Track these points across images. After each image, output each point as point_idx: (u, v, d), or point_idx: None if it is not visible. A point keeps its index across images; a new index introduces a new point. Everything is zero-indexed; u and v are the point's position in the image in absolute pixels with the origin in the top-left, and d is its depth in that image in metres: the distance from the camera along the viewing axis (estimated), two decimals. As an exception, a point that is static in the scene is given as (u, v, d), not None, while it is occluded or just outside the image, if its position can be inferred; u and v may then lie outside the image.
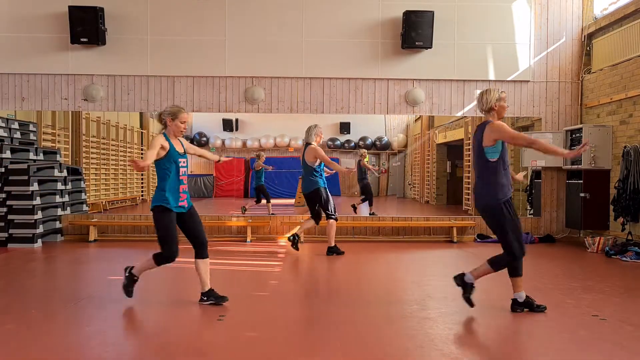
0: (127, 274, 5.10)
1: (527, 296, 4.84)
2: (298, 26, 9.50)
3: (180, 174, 4.88)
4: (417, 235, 9.66)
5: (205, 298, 5.00)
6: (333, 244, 7.86)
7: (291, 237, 8.00)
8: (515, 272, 4.86)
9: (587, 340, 4.04)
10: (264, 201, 12.40)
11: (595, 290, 5.70)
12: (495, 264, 4.85)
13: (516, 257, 4.80)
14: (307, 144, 7.90)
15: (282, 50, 9.49)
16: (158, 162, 4.84)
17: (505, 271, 6.79)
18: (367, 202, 13.08)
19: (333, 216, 7.82)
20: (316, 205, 7.84)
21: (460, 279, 4.87)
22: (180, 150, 4.96)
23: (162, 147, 4.81)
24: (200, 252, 5.03)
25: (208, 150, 22.74)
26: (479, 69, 9.58)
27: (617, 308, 4.95)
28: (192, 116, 23.26)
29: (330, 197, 7.87)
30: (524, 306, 4.81)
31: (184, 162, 4.92)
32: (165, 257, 4.94)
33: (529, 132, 9.98)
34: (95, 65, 9.37)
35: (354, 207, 12.83)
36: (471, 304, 4.78)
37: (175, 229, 4.93)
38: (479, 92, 9.56)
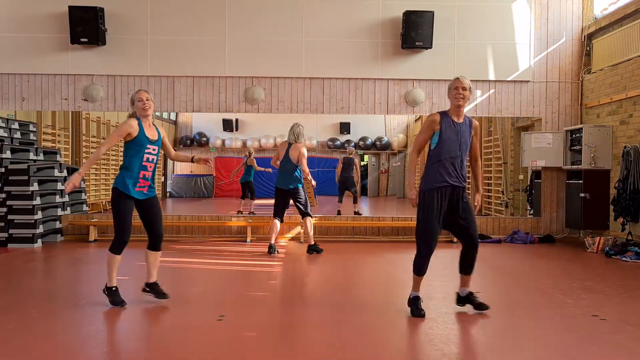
0: (106, 292, 4.93)
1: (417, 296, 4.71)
2: (298, 26, 9.50)
3: (144, 160, 4.83)
4: (417, 235, 9.64)
5: (148, 289, 5.09)
6: (313, 242, 8.03)
7: (271, 250, 7.89)
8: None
9: (587, 340, 4.04)
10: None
11: (595, 290, 5.70)
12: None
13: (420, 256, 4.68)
14: (290, 143, 7.92)
15: (282, 50, 9.49)
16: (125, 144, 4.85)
17: (509, 273, 6.80)
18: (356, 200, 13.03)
19: (309, 213, 7.99)
20: (288, 202, 7.97)
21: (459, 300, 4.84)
22: (152, 137, 4.89)
23: (129, 134, 4.78)
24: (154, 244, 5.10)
25: (208, 150, 22.78)
26: (479, 69, 9.58)
27: (617, 308, 4.95)
28: (192, 116, 23.36)
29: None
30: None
31: (153, 149, 4.87)
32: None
33: (529, 132, 9.97)
34: (95, 65, 9.37)
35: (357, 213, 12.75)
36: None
37: (130, 213, 4.91)
38: (479, 92, 9.61)
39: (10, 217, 8.59)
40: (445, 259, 7.93)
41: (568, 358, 3.71)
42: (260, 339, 4.09)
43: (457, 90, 4.61)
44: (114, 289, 4.90)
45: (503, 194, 12.35)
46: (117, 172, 4.91)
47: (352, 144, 21.87)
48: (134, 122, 4.80)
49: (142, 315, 4.86)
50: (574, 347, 3.93)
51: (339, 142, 21.68)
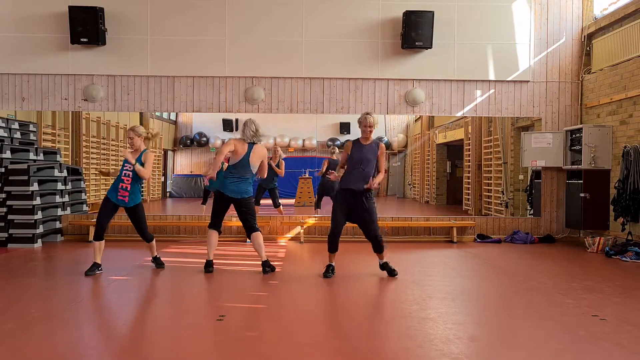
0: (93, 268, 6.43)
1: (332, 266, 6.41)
2: (298, 26, 9.50)
3: (122, 174, 6.47)
4: (417, 235, 9.66)
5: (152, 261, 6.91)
6: (266, 257, 6.64)
7: (209, 268, 6.56)
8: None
9: (587, 340, 4.04)
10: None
11: (595, 290, 5.70)
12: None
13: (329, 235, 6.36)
14: (253, 143, 6.53)
15: (282, 50, 9.49)
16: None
17: (509, 272, 6.83)
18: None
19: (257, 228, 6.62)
20: (225, 211, 6.67)
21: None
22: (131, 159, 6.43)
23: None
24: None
25: (208, 150, 22.74)
26: (479, 69, 9.58)
27: (617, 308, 4.95)
28: (192, 116, 23.38)
29: None
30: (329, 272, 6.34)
31: (128, 167, 6.43)
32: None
33: (529, 132, 9.98)
34: (95, 65, 9.38)
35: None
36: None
37: (106, 212, 6.53)
38: (479, 92, 9.62)
39: (10, 217, 8.59)
40: (445, 258, 7.94)
41: (568, 358, 3.71)
42: (260, 339, 4.09)
43: (364, 127, 6.22)
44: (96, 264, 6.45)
45: (503, 194, 12.36)
46: (116, 174, 6.66)
47: (337, 142, 21.85)
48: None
49: (142, 315, 4.86)
50: (574, 347, 3.93)
51: (339, 142, 21.71)
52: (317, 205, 11.68)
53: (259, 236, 6.55)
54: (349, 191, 6.18)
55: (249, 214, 6.54)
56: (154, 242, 6.88)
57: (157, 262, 6.92)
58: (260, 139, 6.56)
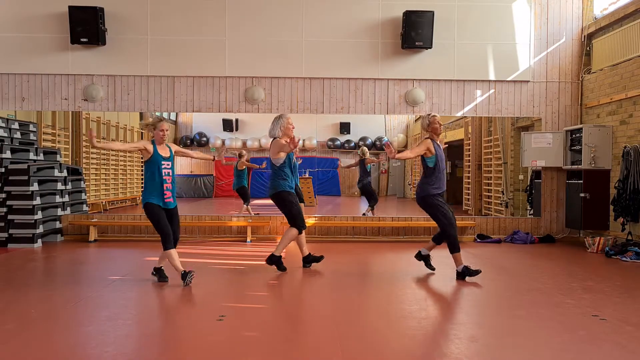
0: (155, 272, 6.14)
1: (464, 266, 6.25)
2: (298, 26, 9.50)
3: (163, 174, 5.77)
4: (417, 235, 9.65)
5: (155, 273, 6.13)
6: (279, 254, 6.60)
7: (269, 261, 6.64)
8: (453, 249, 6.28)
9: (587, 340, 4.04)
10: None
11: (595, 290, 5.70)
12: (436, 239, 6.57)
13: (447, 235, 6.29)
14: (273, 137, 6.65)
15: (282, 50, 9.49)
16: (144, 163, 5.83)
17: (510, 272, 6.84)
18: (371, 204, 12.19)
19: (296, 225, 6.58)
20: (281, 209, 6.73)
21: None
22: (165, 154, 5.81)
23: (146, 150, 5.72)
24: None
25: (208, 150, 22.75)
26: (479, 69, 9.58)
27: (617, 308, 4.95)
28: (192, 116, 23.38)
29: (297, 204, 6.66)
30: (463, 275, 6.20)
31: (167, 164, 5.80)
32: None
33: (529, 132, 9.98)
34: (95, 65, 9.37)
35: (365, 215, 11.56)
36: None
37: (165, 218, 5.82)
38: (479, 92, 9.62)
39: (10, 217, 8.59)
40: (445, 258, 7.93)
41: (568, 358, 3.71)
42: (260, 339, 4.09)
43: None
44: (183, 272, 5.84)
45: (503, 194, 12.36)
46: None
47: (352, 143, 21.90)
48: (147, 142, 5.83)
49: (142, 315, 4.86)
50: (574, 347, 3.93)
51: (339, 142, 21.70)
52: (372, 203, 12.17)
53: (288, 231, 6.62)
54: (442, 193, 6.31)
55: (279, 208, 6.71)
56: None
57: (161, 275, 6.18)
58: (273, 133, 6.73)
